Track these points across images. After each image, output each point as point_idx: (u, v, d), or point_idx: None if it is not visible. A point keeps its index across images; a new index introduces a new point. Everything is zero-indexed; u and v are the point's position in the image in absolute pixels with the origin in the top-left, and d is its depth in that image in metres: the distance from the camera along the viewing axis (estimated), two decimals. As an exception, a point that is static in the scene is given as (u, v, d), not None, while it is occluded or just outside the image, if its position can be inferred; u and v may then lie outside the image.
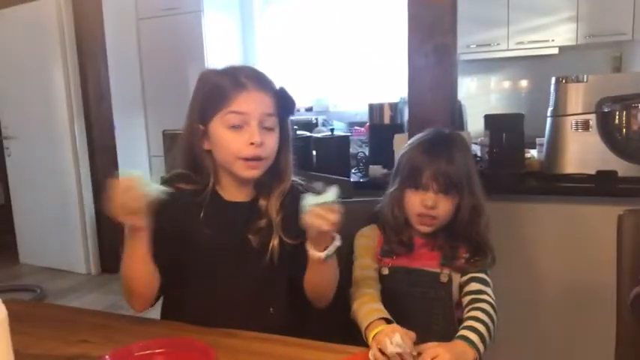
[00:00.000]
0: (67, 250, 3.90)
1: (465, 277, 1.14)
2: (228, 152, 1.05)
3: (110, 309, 3.01)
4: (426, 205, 1.14)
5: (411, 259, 1.18)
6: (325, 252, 0.96)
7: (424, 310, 1.15)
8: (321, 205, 0.91)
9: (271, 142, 1.06)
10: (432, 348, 0.90)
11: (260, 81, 1.07)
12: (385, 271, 1.18)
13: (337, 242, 0.97)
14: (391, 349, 0.87)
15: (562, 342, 1.80)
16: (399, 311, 1.04)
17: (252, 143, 1.02)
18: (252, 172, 1.06)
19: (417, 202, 1.15)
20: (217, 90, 1.05)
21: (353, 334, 1.04)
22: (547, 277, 1.78)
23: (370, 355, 0.90)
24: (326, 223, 0.91)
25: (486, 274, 1.15)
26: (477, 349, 0.97)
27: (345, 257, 1.21)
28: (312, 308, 1.14)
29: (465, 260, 1.15)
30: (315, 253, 0.96)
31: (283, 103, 1.09)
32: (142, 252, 0.99)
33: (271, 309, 1.12)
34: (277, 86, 1.10)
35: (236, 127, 1.03)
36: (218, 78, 1.07)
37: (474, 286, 1.12)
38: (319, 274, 1.05)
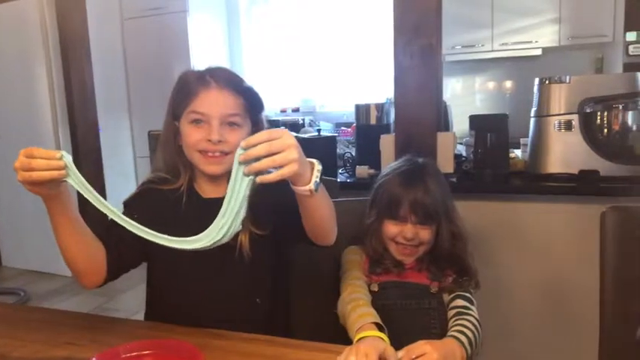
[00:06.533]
0: (51, 253, 3.80)
1: (451, 295, 1.17)
2: (187, 145, 1.07)
3: (95, 312, 2.98)
4: (406, 237, 1.16)
5: (401, 275, 1.20)
6: (312, 180, 0.86)
7: (421, 320, 1.16)
8: (251, 147, 0.80)
9: (235, 138, 1.06)
10: (420, 345, 0.90)
11: (224, 80, 1.07)
12: (375, 288, 1.19)
13: (319, 166, 0.88)
14: None
15: (546, 339, 1.82)
16: (396, 324, 1.04)
17: (209, 140, 1.04)
18: (214, 168, 1.07)
19: (396, 233, 1.18)
20: (185, 88, 1.08)
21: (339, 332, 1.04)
22: (531, 274, 1.81)
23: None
24: (272, 161, 0.79)
25: (471, 294, 1.17)
26: (466, 350, 0.98)
27: (332, 270, 1.24)
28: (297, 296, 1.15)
29: (452, 279, 1.18)
30: (300, 188, 0.87)
31: (251, 102, 1.09)
32: (63, 223, 0.95)
33: (258, 300, 1.12)
34: (247, 85, 1.11)
35: (198, 122, 1.06)
36: (189, 77, 1.09)
37: (460, 302, 1.14)
38: (316, 210, 0.96)
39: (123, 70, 4.33)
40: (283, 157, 0.79)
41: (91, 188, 0.88)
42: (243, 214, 0.85)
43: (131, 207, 1.14)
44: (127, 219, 0.90)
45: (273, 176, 0.80)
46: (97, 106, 3.84)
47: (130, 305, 3.09)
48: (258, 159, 0.79)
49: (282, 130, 0.82)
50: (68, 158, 0.87)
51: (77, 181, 0.88)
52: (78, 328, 1.07)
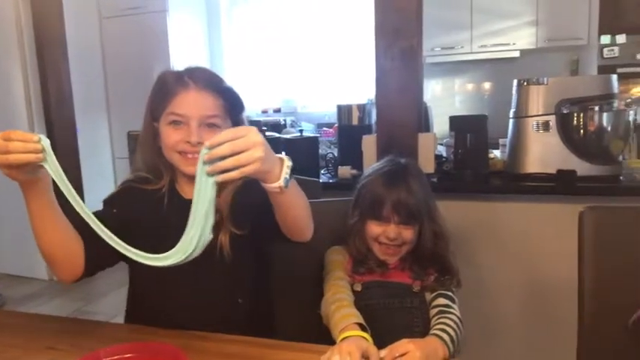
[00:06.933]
0: (28, 256, 3.74)
1: (434, 294, 1.18)
2: (166, 146, 1.07)
3: (74, 315, 2.93)
4: (389, 237, 1.17)
5: (384, 275, 1.21)
6: (282, 177, 0.85)
7: (404, 319, 1.17)
8: (215, 146, 0.78)
9: None
10: (403, 344, 0.91)
11: (203, 81, 1.07)
12: (358, 288, 1.19)
13: (288, 163, 0.86)
14: None
15: (526, 336, 1.85)
16: (379, 324, 1.04)
17: (188, 142, 1.03)
18: (194, 169, 1.05)
19: (379, 233, 1.19)
20: (163, 89, 1.08)
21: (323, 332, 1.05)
22: (511, 272, 1.83)
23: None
24: (237, 160, 0.78)
25: (452, 292, 1.19)
26: (448, 347, 0.99)
27: (315, 270, 1.24)
28: (280, 296, 1.14)
29: (434, 278, 1.19)
30: (269, 186, 0.86)
31: (231, 102, 1.09)
32: (39, 211, 0.94)
33: (239, 300, 1.12)
34: (227, 86, 1.10)
35: (177, 123, 1.05)
36: (168, 77, 1.08)
37: (442, 301, 1.15)
38: (289, 207, 0.95)
39: (101, 69, 4.27)
40: (248, 155, 0.78)
41: (65, 178, 0.86)
42: (211, 221, 0.82)
43: (111, 204, 1.13)
44: (98, 223, 0.87)
45: (236, 174, 0.78)
46: (74, 105, 3.78)
47: (109, 308, 3.05)
48: (223, 158, 0.78)
49: (248, 128, 0.81)
50: (46, 142, 0.84)
51: (53, 168, 0.85)
52: (57, 332, 1.05)
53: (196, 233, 0.82)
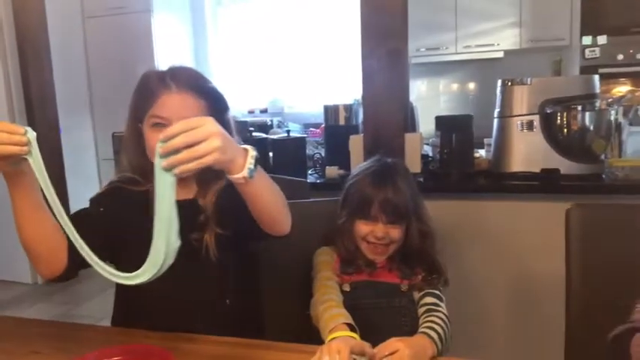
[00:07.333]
0: (11, 259, 3.66)
1: (421, 293, 1.19)
2: (150, 149, 1.05)
3: (59, 319, 2.89)
4: (377, 236, 1.18)
5: (372, 274, 1.22)
6: (246, 167, 0.83)
7: (392, 318, 1.18)
8: (169, 138, 0.76)
9: None
10: (392, 342, 0.92)
11: (186, 82, 1.05)
12: (347, 288, 1.20)
13: (252, 152, 0.84)
14: None
15: (513, 334, 1.88)
16: (368, 324, 1.05)
17: None
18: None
19: (367, 232, 1.19)
20: (145, 91, 1.06)
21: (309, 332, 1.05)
22: (498, 270, 1.86)
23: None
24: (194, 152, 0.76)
25: (440, 291, 1.20)
26: (436, 345, 1.00)
27: (303, 270, 1.24)
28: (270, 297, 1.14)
29: (422, 277, 1.20)
30: (234, 177, 0.84)
31: (215, 103, 1.08)
32: (22, 204, 0.93)
33: (227, 300, 1.11)
34: (210, 86, 1.09)
35: (159, 125, 1.03)
36: (150, 78, 1.07)
37: (429, 299, 1.16)
38: (258, 197, 0.93)
39: (84, 69, 4.22)
40: (204, 146, 0.76)
41: (46, 175, 0.84)
42: (176, 225, 0.79)
43: (98, 202, 1.12)
44: (72, 229, 0.85)
45: (193, 165, 0.76)
46: (57, 106, 3.73)
47: (95, 312, 3.01)
48: (178, 151, 0.75)
49: (204, 119, 0.78)
50: (32, 134, 0.83)
51: (36, 163, 0.84)
52: (43, 336, 1.04)
53: (162, 243, 0.79)
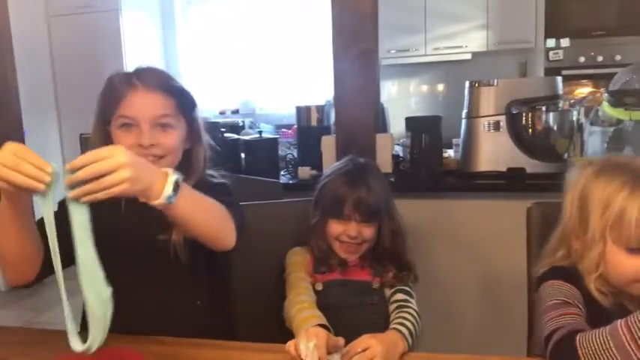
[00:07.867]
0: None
1: (392, 290, 1.21)
2: None
3: (25, 326, 2.80)
4: (350, 235, 1.19)
5: (344, 273, 1.23)
6: (163, 194, 0.81)
7: (365, 316, 1.20)
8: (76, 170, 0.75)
9: (168, 140, 1.05)
10: (364, 339, 0.93)
11: (152, 81, 1.05)
12: (319, 287, 1.21)
13: (172, 177, 0.81)
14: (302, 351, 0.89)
15: (480, 328, 1.92)
16: (340, 322, 1.05)
17: (140, 145, 1.01)
18: None
19: (340, 231, 1.21)
20: (112, 92, 1.06)
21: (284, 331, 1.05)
22: (465, 267, 1.90)
23: (288, 345, 0.92)
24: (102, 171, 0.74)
25: (410, 287, 1.22)
26: (407, 341, 1.02)
27: (276, 271, 1.24)
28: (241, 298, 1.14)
29: (393, 274, 1.22)
30: (153, 203, 0.81)
31: (182, 101, 1.08)
32: (14, 216, 0.90)
33: (198, 302, 1.11)
34: (177, 85, 1.09)
35: (128, 126, 1.03)
36: (116, 80, 1.06)
37: (400, 296, 1.19)
38: (188, 220, 0.89)
39: (50, 69, 4.11)
40: (110, 178, 0.74)
41: (52, 219, 0.80)
42: (99, 271, 0.78)
43: (65, 206, 1.10)
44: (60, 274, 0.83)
45: (101, 195, 0.75)
46: (21, 106, 3.62)
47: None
48: (88, 181, 0.74)
49: (115, 148, 0.77)
50: (56, 176, 0.78)
51: (47, 202, 0.79)
52: (9, 343, 1.01)
53: (94, 299, 0.80)
